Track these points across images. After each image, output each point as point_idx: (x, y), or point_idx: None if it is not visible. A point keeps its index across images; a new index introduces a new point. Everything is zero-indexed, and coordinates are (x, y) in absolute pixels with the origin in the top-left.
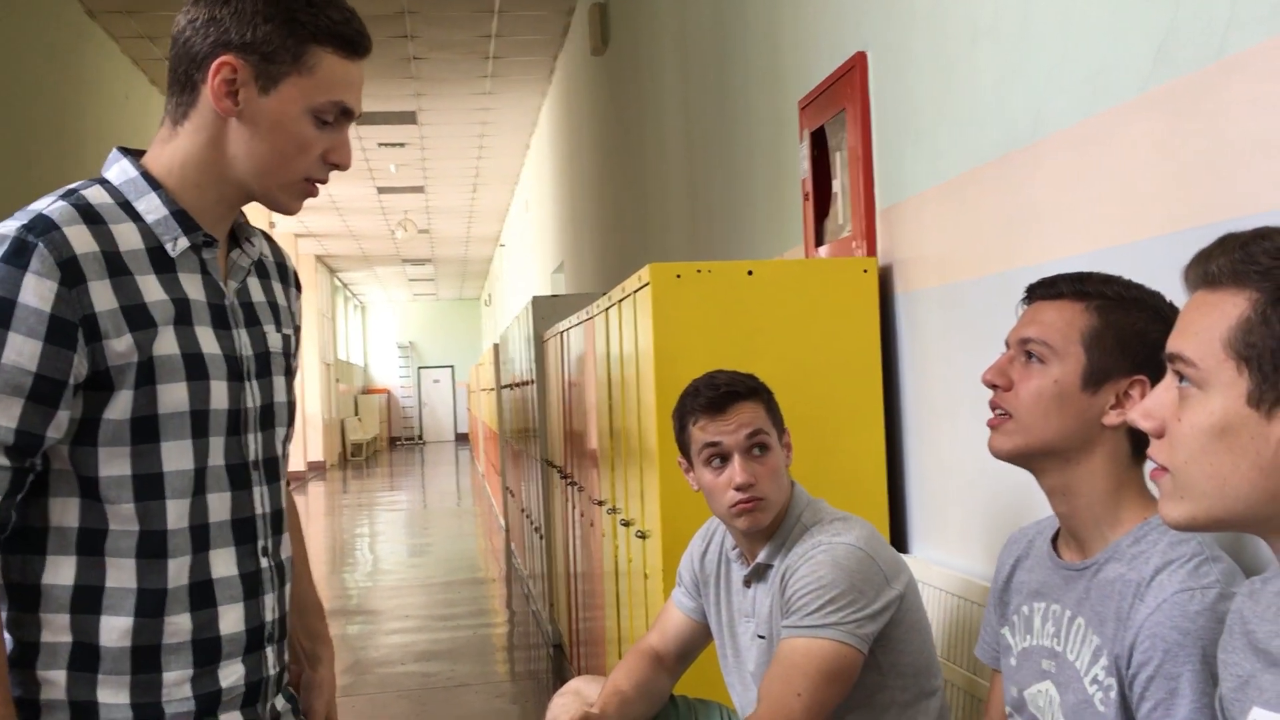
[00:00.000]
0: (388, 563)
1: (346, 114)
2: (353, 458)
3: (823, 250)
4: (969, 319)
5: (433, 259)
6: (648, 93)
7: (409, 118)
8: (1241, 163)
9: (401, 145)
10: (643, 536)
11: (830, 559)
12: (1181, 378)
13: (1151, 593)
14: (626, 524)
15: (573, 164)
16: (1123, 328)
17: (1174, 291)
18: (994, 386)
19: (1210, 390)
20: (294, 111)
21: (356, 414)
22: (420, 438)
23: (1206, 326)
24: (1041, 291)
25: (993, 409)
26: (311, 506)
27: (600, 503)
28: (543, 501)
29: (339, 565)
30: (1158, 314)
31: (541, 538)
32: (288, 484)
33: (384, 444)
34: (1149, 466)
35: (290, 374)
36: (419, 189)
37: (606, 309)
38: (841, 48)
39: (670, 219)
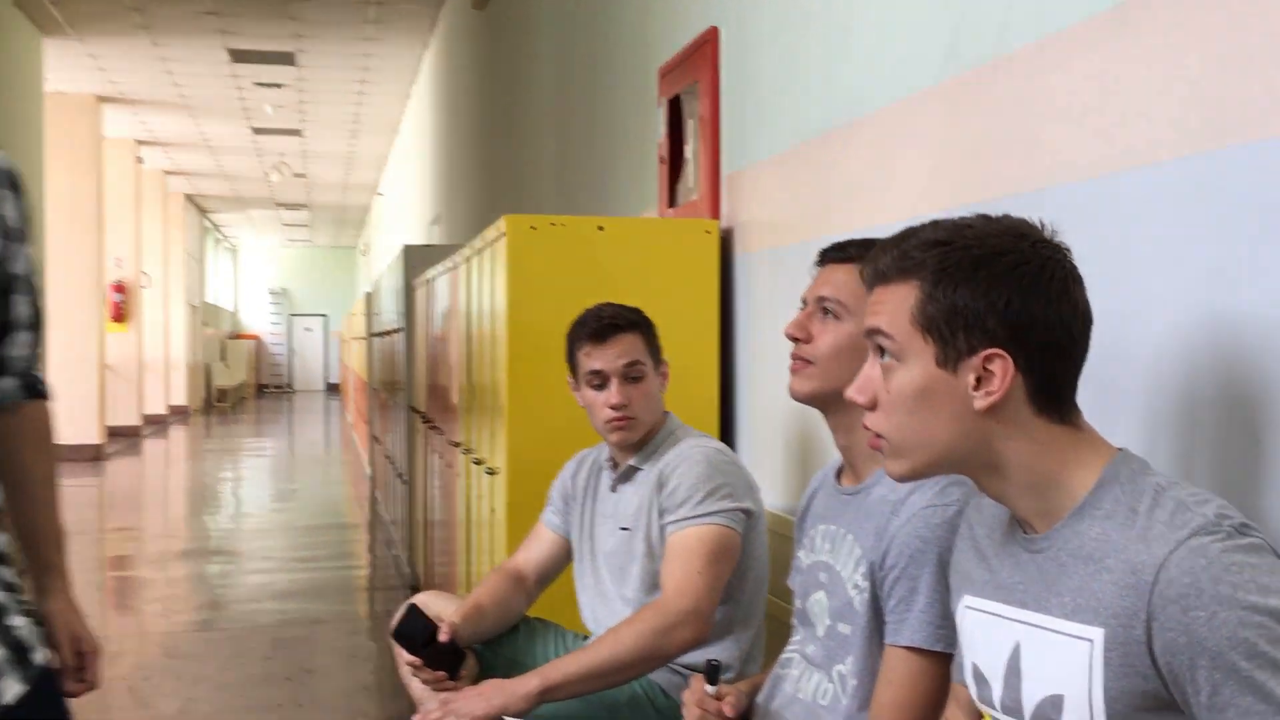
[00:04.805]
0: (250, 506)
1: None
2: (218, 403)
3: (673, 211)
4: (794, 281)
5: (309, 204)
6: (524, 50)
7: (287, 59)
8: (1008, 149)
9: (279, 86)
10: (491, 473)
11: (704, 458)
12: (883, 353)
13: (905, 509)
14: (479, 463)
15: (452, 116)
16: None
17: None
18: (795, 339)
19: (908, 360)
20: None
21: (223, 359)
22: (289, 386)
23: (892, 309)
24: (833, 255)
25: (793, 358)
26: (172, 451)
27: (457, 444)
28: (406, 448)
29: (200, 508)
30: None
31: (404, 483)
32: (45, 398)
33: (251, 391)
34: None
35: None
36: (296, 132)
37: (469, 258)
38: (698, 20)
39: (541, 176)
